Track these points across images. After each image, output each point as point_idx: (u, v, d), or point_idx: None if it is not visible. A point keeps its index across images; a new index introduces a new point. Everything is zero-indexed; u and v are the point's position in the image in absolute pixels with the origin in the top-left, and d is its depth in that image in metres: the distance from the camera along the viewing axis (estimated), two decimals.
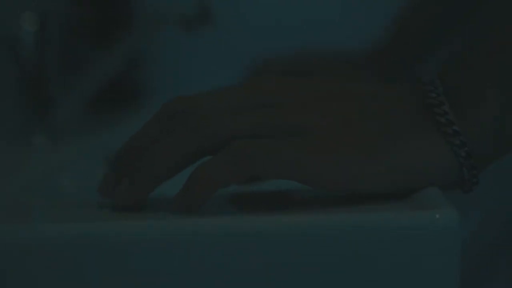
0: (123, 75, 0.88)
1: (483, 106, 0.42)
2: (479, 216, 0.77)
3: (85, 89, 0.78)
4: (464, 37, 0.80)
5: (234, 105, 0.43)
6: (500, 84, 0.42)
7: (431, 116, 0.43)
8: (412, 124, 0.43)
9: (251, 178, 0.43)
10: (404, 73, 0.85)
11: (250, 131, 0.42)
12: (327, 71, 0.83)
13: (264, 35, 0.99)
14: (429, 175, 0.42)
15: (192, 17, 0.73)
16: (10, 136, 0.74)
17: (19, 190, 0.57)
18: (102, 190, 0.44)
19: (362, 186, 0.42)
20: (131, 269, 0.39)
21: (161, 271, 0.39)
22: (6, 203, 0.53)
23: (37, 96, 0.72)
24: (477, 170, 0.43)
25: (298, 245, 0.39)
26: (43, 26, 0.71)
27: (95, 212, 0.44)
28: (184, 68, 0.99)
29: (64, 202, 0.48)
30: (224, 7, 0.89)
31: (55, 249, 0.39)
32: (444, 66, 0.45)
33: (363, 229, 0.39)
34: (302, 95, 0.43)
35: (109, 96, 0.87)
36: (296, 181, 0.41)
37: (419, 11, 0.86)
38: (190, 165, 0.43)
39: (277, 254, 0.39)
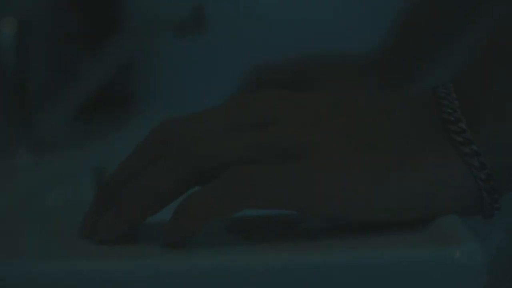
0: (114, 82, 0.85)
1: (505, 119, 0.39)
2: (498, 238, 0.74)
3: (73, 97, 0.76)
4: (472, 41, 0.78)
5: (228, 127, 0.39)
6: None
7: (446, 134, 0.39)
8: (425, 142, 0.39)
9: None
10: (409, 77, 0.82)
11: (245, 155, 0.38)
12: (329, 77, 0.81)
13: (261, 40, 0.97)
14: (446, 200, 0.39)
15: (186, 22, 0.71)
16: None
17: (3, 208, 0.54)
18: (84, 228, 0.41)
19: (371, 214, 0.38)
20: None
21: None
22: None
23: (21, 105, 0.70)
24: (499, 194, 0.39)
25: (296, 284, 0.35)
26: (27, 31, 0.68)
27: (77, 245, 0.40)
28: (177, 75, 0.97)
29: (47, 231, 0.45)
30: (218, 12, 0.89)
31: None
32: (460, 75, 0.41)
33: (372, 267, 0.35)
34: (300, 112, 0.40)
35: (99, 104, 0.85)
36: (300, 211, 0.38)
37: (420, 13, 0.83)
38: (183, 193, 0.39)
39: None
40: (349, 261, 0.35)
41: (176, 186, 0.39)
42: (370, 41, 0.83)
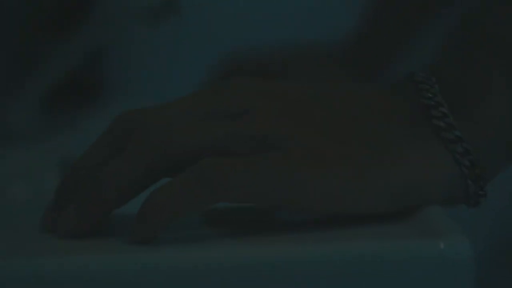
0: (83, 71, 0.83)
1: (489, 102, 0.37)
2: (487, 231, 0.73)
3: (39, 86, 0.74)
4: (453, 22, 0.77)
5: (198, 116, 0.37)
6: (508, 71, 0.37)
7: (428, 120, 0.37)
8: (406, 130, 0.37)
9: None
10: (382, 65, 0.81)
11: (217, 144, 0.36)
12: (304, 67, 0.78)
13: (235, 28, 0.95)
14: (431, 190, 0.37)
15: (158, 7, 0.68)
16: None
17: None
18: (45, 222, 0.38)
19: (352, 207, 0.36)
20: None
21: None
22: None
23: None
24: (484, 181, 0.37)
25: (283, 278, 0.34)
26: None
27: (39, 241, 0.38)
28: (149, 63, 0.96)
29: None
30: None
31: None
32: (438, 59, 0.39)
33: (355, 259, 0.34)
34: (275, 102, 0.37)
35: (67, 94, 0.82)
36: (277, 207, 0.36)
37: (390, 4, 0.82)
38: (149, 187, 0.36)
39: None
40: (331, 254, 0.34)
41: (142, 177, 0.36)
42: (342, 29, 0.81)
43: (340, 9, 0.93)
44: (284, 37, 0.82)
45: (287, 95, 0.38)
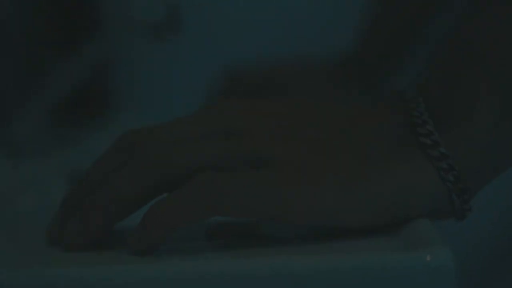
0: (90, 86, 0.84)
1: (475, 119, 0.38)
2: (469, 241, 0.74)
3: (47, 100, 0.75)
4: (440, 41, 0.77)
5: (195, 135, 0.39)
6: (495, 87, 0.38)
7: (414, 137, 0.38)
8: (393, 147, 0.38)
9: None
10: (378, 81, 0.81)
11: (211, 163, 0.38)
12: (298, 83, 0.80)
13: (235, 43, 0.96)
14: (416, 204, 0.38)
15: (161, 24, 0.70)
16: None
17: None
18: (50, 235, 0.40)
19: (340, 221, 0.37)
20: None
21: None
22: None
23: None
24: (469, 195, 0.39)
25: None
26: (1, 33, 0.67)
27: (44, 252, 0.39)
28: (154, 78, 0.96)
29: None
30: (193, 14, 0.87)
31: None
32: (425, 78, 0.40)
33: (341, 272, 0.35)
34: (267, 121, 0.39)
35: (74, 108, 0.83)
36: (269, 219, 0.37)
37: (387, 17, 0.83)
38: (150, 201, 0.38)
39: None
40: (317, 267, 0.35)
41: (142, 192, 0.38)
42: (338, 44, 0.82)
43: (338, 21, 0.94)
44: (283, 50, 0.83)
45: (279, 114, 0.40)
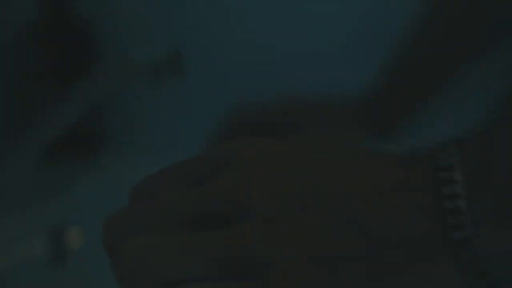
0: (83, 126, 0.83)
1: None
2: None
3: (37, 142, 0.71)
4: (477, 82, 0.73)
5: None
6: None
7: (441, 220, 0.33)
8: (419, 242, 0.33)
9: None
10: (403, 122, 0.77)
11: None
12: (316, 122, 0.76)
13: (241, 84, 0.92)
14: None
15: (161, 66, 0.66)
16: None
17: None
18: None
19: None
20: None
21: None
22: None
23: None
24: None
25: None
26: None
27: None
28: (154, 120, 0.93)
29: None
30: (195, 54, 0.84)
31: None
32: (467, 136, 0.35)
33: None
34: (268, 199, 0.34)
35: (66, 149, 0.81)
36: None
37: (416, 51, 0.79)
38: None
39: None
40: None
41: None
42: (361, 82, 0.77)
43: (358, 59, 0.91)
44: (297, 89, 0.80)
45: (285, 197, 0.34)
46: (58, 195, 0.73)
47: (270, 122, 0.75)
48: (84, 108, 0.72)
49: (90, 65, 0.83)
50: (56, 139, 0.72)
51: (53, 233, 0.62)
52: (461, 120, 0.87)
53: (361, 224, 0.33)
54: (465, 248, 0.32)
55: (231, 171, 0.35)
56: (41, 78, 0.82)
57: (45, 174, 0.78)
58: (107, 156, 0.85)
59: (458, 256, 0.33)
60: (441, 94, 0.77)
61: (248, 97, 0.77)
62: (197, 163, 0.37)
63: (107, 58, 0.82)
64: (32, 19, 0.81)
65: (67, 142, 0.80)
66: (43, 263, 0.59)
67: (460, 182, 0.32)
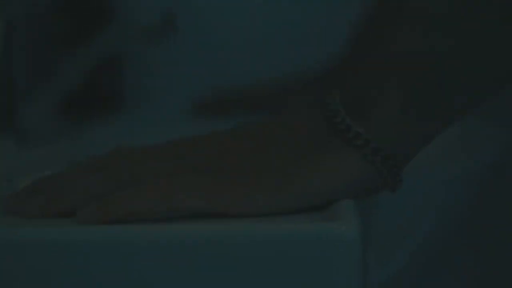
0: (97, 79, 0.87)
1: (384, 105, 0.43)
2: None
3: (55, 92, 0.79)
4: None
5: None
6: (398, 81, 0.43)
7: (339, 134, 0.44)
8: (317, 144, 0.44)
9: None
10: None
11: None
12: (278, 102, 0.83)
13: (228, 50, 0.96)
14: (344, 190, 0.44)
15: (156, 26, 0.72)
16: None
17: None
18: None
19: (274, 211, 0.43)
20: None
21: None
22: None
23: (5, 99, 0.72)
24: (398, 169, 0.44)
25: (188, 257, 0.40)
26: (9, 27, 0.70)
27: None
28: (163, 75, 0.96)
29: None
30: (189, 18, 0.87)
31: None
32: (341, 78, 0.46)
33: (252, 240, 0.40)
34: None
35: (82, 100, 0.86)
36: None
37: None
38: None
39: (182, 264, 0.40)
40: (236, 235, 0.40)
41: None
42: (329, 56, 0.80)
43: (326, 35, 0.90)
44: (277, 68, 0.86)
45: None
46: (72, 140, 0.79)
47: (240, 103, 0.84)
48: (98, 63, 0.79)
49: (103, 23, 0.85)
50: (73, 93, 0.80)
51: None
52: None
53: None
54: (356, 137, 0.43)
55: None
56: (58, 37, 0.85)
57: (61, 121, 0.83)
58: (125, 107, 0.90)
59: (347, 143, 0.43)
60: None
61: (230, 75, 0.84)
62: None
63: (113, 21, 0.85)
64: None
65: (84, 95, 0.85)
66: None
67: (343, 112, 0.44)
